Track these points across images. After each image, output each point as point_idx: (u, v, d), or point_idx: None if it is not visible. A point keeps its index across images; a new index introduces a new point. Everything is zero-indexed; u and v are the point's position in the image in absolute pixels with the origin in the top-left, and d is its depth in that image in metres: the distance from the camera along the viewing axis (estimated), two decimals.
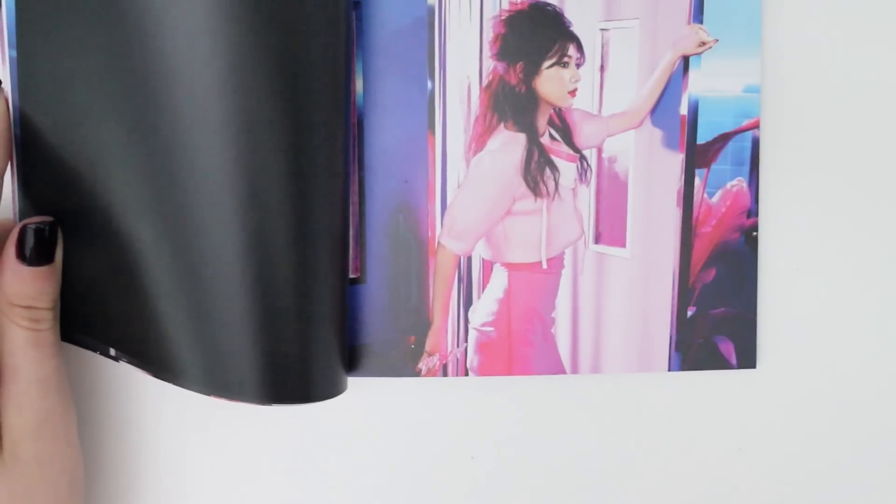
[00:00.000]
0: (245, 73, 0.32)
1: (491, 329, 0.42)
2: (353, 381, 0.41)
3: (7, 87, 0.35)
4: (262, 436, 0.42)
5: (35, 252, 0.35)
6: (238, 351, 0.35)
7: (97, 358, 0.40)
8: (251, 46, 0.32)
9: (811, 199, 0.42)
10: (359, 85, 0.39)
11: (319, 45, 0.33)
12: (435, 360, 0.42)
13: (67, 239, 0.36)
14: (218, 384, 0.36)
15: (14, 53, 0.35)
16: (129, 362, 0.37)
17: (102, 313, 0.36)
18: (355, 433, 0.42)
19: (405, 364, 0.42)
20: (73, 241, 0.36)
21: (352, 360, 0.41)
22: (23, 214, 0.36)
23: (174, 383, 0.36)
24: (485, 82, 0.40)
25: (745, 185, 0.41)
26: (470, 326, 0.42)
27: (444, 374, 0.42)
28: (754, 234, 0.41)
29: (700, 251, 0.41)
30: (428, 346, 0.42)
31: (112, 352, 0.37)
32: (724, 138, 0.41)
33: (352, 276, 0.40)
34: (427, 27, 0.39)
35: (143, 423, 0.41)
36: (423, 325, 0.42)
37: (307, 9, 0.33)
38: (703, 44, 0.40)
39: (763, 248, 0.42)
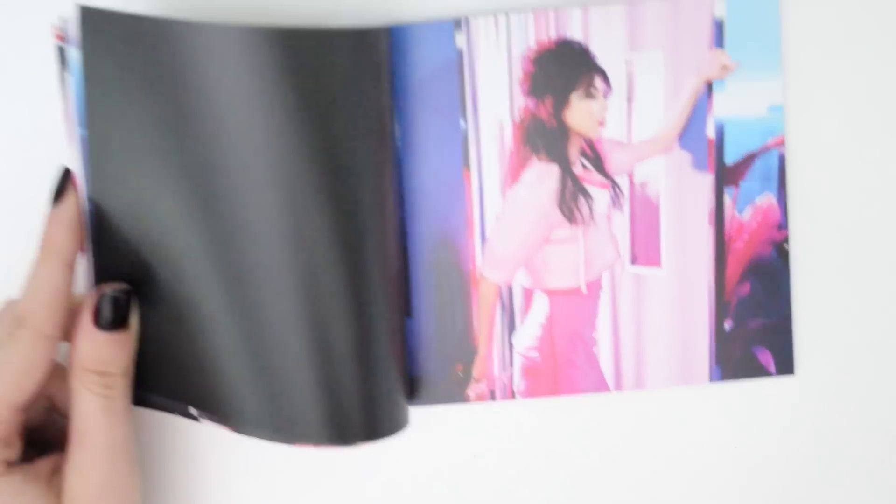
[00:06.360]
0: (294, 161, 0.35)
1: (535, 353, 0.43)
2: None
3: (76, 163, 0.37)
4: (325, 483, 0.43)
5: (111, 318, 0.35)
6: (304, 395, 0.37)
7: (164, 423, 0.41)
8: (299, 142, 0.35)
9: (840, 210, 0.42)
10: (395, 128, 0.40)
11: (365, 147, 0.36)
12: (483, 386, 0.43)
13: (140, 306, 0.37)
14: (285, 430, 0.37)
15: (83, 132, 0.37)
16: (208, 419, 0.38)
17: (177, 375, 0.37)
18: (410, 461, 0.43)
19: (455, 391, 0.42)
20: (146, 307, 0.37)
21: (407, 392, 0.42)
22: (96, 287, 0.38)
23: (248, 433, 0.37)
24: (516, 118, 0.41)
25: (773, 200, 0.42)
26: (515, 352, 0.43)
27: (493, 398, 0.43)
28: (785, 246, 0.42)
29: (734, 266, 0.42)
30: (475, 372, 0.43)
31: (192, 411, 0.38)
32: (751, 157, 0.41)
33: None
34: (457, 69, 0.41)
35: (208, 488, 0.42)
36: (469, 353, 0.43)
37: (355, 115, 0.35)
38: (726, 68, 0.41)
39: (795, 258, 0.42)
